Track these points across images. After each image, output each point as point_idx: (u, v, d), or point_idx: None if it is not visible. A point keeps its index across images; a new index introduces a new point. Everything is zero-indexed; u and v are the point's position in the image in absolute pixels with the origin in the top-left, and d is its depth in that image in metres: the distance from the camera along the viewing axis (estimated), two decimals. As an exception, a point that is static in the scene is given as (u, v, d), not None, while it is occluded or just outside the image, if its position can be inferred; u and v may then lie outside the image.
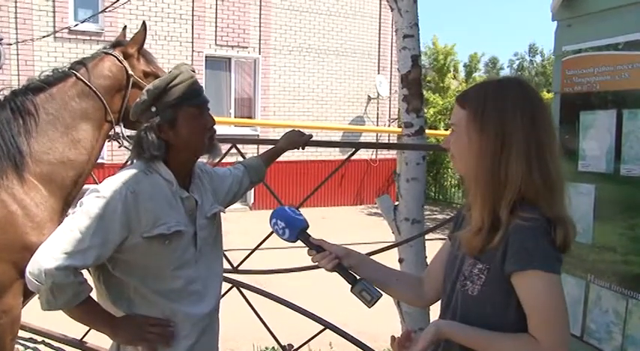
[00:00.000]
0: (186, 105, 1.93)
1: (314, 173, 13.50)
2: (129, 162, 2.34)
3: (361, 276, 1.68)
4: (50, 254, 1.75)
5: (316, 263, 1.71)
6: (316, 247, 1.71)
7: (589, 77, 2.12)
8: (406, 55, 3.35)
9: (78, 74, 2.89)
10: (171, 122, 1.92)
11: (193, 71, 2.00)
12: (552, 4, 2.28)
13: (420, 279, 1.83)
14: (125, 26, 3.43)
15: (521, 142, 1.41)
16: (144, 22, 3.11)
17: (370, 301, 1.61)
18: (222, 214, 2.21)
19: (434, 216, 13.84)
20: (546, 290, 1.36)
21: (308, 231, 1.75)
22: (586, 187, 2.08)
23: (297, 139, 2.76)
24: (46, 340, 4.49)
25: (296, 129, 2.86)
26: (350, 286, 1.64)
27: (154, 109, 1.92)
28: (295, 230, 1.73)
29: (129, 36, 3.21)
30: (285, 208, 1.78)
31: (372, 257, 1.91)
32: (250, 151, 10.30)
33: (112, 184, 1.87)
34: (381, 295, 1.63)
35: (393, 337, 1.54)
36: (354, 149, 3.50)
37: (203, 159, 2.12)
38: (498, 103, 1.45)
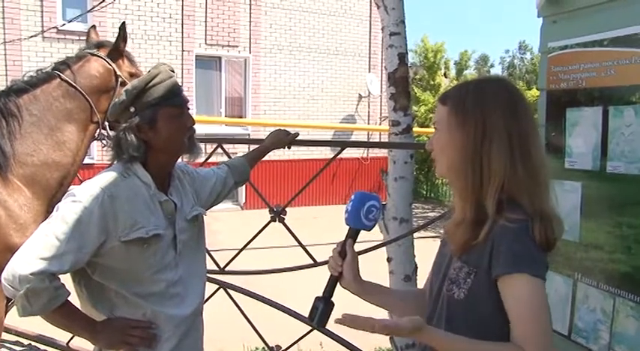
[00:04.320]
0: (166, 105, 1.91)
1: (305, 172, 13.48)
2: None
3: (367, 300, 1.67)
4: (25, 260, 1.71)
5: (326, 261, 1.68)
6: (344, 252, 1.63)
7: (575, 74, 2.11)
8: (393, 53, 3.33)
9: (63, 75, 2.87)
10: (150, 122, 1.89)
11: (172, 71, 1.98)
12: (538, 0, 2.26)
13: (423, 291, 1.77)
14: (94, 25, 3.40)
15: (502, 133, 1.39)
16: (123, 23, 3.07)
17: (312, 320, 1.57)
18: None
19: (425, 214, 13.86)
20: (532, 296, 1.32)
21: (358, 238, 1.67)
22: (572, 185, 2.07)
23: (283, 137, 2.74)
24: (33, 343, 4.46)
25: (282, 128, 2.84)
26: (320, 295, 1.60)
27: (132, 109, 1.89)
28: (352, 223, 1.63)
29: (110, 36, 3.18)
30: (368, 203, 1.63)
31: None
32: (241, 150, 10.28)
33: (88, 188, 1.84)
34: (322, 326, 1.59)
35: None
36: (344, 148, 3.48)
37: (185, 159, 2.09)
38: (478, 97, 1.44)
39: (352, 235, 1.65)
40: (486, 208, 1.39)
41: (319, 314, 1.55)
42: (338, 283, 1.63)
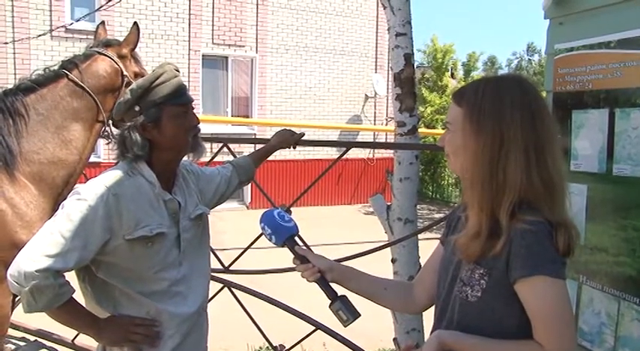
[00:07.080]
0: (171, 104, 1.92)
1: (311, 172, 13.49)
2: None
3: (349, 288, 1.68)
4: (30, 257, 1.72)
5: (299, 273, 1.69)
6: (301, 257, 1.69)
7: (581, 76, 2.10)
8: (399, 54, 3.33)
9: (70, 75, 2.88)
10: (155, 121, 1.90)
11: (177, 70, 1.98)
12: (544, 2, 2.25)
13: (411, 285, 1.79)
14: (103, 21, 3.41)
15: (519, 144, 1.35)
16: (135, 23, 3.09)
17: (346, 321, 1.59)
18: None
19: (431, 215, 13.84)
20: (554, 296, 1.32)
21: (299, 234, 1.74)
22: (578, 187, 2.06)
23: (288, 137, 2.74)
24: (39, 340, 4.47)
25: (287, 128, 2.84)
26: (330, 301, 1.63)
27: (137, 108, 1.90)
28: (281, 237, 1.70)
29: (118, 34, 3.20)
30: (275, 212, 1.73)
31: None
32: (247, 150, 10.30)
33: (94, 186, 1.85)
34: (359, 315, 1.60)
35: None
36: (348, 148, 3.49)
37: (190, 158, 2.10)
38: (496, 103, 1.38)
39: (293, 244, 1.72)
40: (500, 220, 1.36)
41: (346, 311, 1.59)
42: (328, 283, 1.66)
